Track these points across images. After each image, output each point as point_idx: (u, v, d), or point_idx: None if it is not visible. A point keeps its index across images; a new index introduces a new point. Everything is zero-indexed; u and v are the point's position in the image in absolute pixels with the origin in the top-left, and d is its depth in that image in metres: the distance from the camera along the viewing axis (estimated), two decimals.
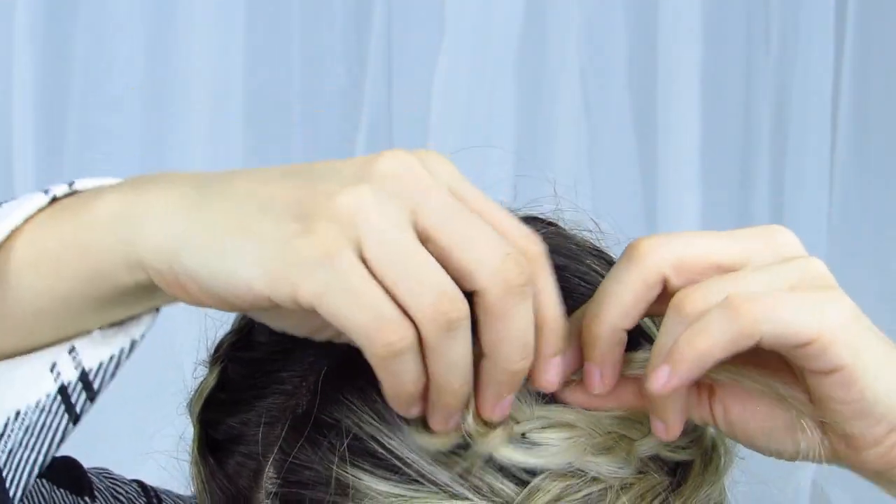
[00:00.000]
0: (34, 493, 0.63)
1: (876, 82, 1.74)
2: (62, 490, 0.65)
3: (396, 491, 0.47)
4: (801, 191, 1.71)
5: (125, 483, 0.70)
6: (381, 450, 0.48)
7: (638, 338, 0.51)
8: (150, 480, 0.71)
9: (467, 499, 0.47)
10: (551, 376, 0.48)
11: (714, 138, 1.68)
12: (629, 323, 0.48)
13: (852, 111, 1.74)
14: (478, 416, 0.47)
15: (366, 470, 0.48)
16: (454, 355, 0.44)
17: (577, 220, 0.58)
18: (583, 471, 0.48)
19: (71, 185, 0.50)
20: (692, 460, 0.51)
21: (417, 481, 0.48)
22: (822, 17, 1.69)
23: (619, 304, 0.47)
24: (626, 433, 0.49)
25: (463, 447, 0.48)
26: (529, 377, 0.48)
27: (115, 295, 0.48)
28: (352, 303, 0.43)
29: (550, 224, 0.57)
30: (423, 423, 0.48)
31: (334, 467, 0.48)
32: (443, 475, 0.48)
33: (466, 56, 1.59)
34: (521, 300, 0.45)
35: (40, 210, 0.49)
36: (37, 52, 1.49)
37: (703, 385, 0.49)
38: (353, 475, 0.48)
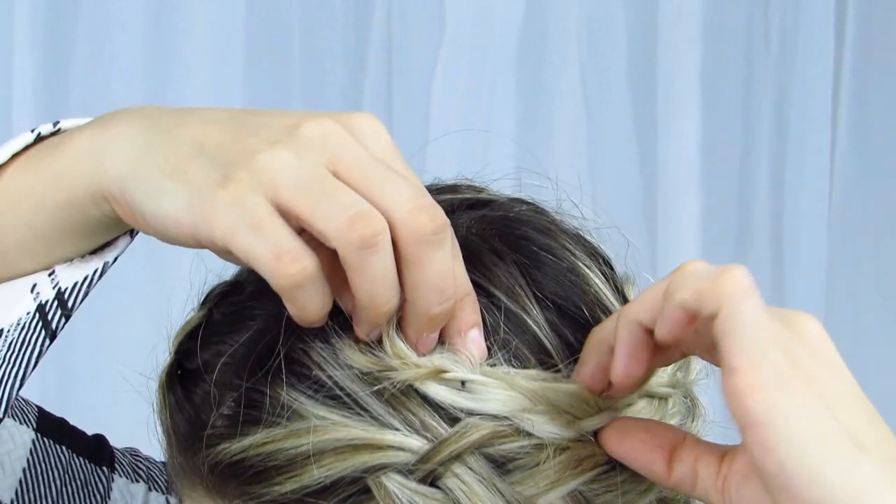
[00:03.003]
0: (53, 457, 0.67)
1: (876, 82, 1.74)
2: (82, 458, 0.68)
3: (331, 416, 0.50)
4: (801, 191, 1.71)
5: (151, 462, 0.72)
6: (324, 377, 0.50)
7: None
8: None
9: (396, 429, 0.49)
10: (473, 350, 0.51)
11: (714, 138, 1.68)
12: (647, 318, 0.48)
13: (852, 111, 1.74)
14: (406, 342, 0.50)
15: (306, 395, 0.51)
16: (374, 272, 0.47)
17: (583, 215, 0.60)
18: (519, 425, 0.50)
19: (56, 124, 0.55)
20: None
21: (352, 409, 0.50)
22: (822, 17, 1.69)
23: (641, 298, 0.49)
24: (572, 411, 0.51)
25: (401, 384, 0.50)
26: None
27: (88, 226, 0.53)
28: (255, 237, 0.47)
29: (533, 204, 0.59)
30: (355, 343, 0.51)
31: (281, 391, 0.51)
32: (378, 406, 0.50)
33: (466, 56, 1.59)
34: (434, 247, 0.48)
35: (28, 147, 0.54)
36: (37, 52, 1.49)
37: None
38: (294, 398, 0.51)
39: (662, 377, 0.54)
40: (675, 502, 0.55)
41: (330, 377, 0.50)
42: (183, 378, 0.56)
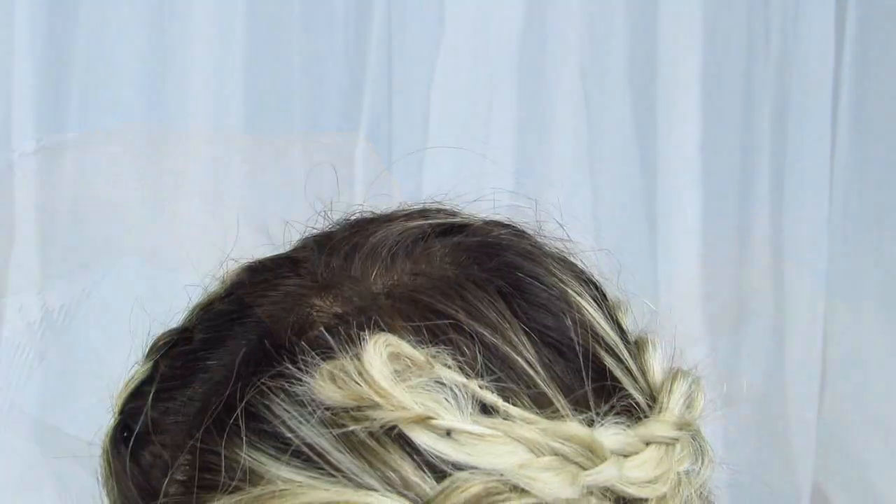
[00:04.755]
0: None
1: (876, 82, 1.74)
2: None
3: (298, 478, 0.44)
4: (801, 191, 1.71)
5: None
6: (288, 434, 0.45)
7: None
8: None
9: (373, 489, 0.43)
10: None
11: (714, 138, 1.68)
12: None
13: (853, 111, 1.73)
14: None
15: (269, 454, 0.45)
16: None
17: (572, 242, 0.56)
18: (514, 483, 0.44)
19: None
20: (647, 500, 0.47)
21: (321, 468, 0.44)
22: (822, 16, 1.69)
23: None
24: (577, 460, 0.45)
25: (382, 436, 0.44)
26: None
27: None
28: None
29: (512, 227, 0.54)
30: (329, 375, 0.45)
31: (240, 451, 0.46)
32: (350, 463, 0.44)
33: (466, 56, 1.59)
34: None
35: None
36: (37, 52, 1.49)
37: None
38: (255, 459, 0.46)
39: (668, 418, 0.49)
40: None
41: (295, 433, 0.45)
42: (129, 441, 0.50)
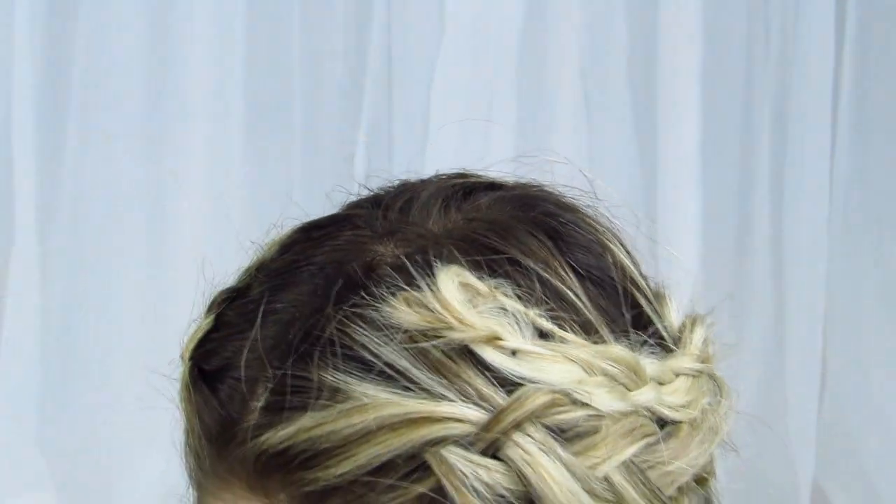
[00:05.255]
0: None
1: (876, 82, 1.74)
2: None
3: (382, 394, 0.49)
4: (802, 191, 1.72)
5: None
6: (369, 356, 0.49)
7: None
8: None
9: (450, 400, 0.48)
10: None
11: (714, 138, 1.69)
12: None
13: (853, 111, 1.74)
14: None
15: (353, 375, 0.49)
16: None
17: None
18: (574, 396, 0.49)
19: None
20: (682, 422, 0.52)
21: (402, 384, 0.49)
22: (822, 17, 1.69)
23: None
24: (623, 381, 0.50)
25: (457, 354, 0.49)
26: None
27: None
28: None
29: (541, 186, 0.60)
30: (406, 301, 0.50)
31: (325, 374, 0.50)
32: (429, 379, 0.49)
33: (466, 56, 1.59)
34: None
35: None
36: (37, 52, 1.49)
37: None
38: (341, 380, 0.49)
39: (693, 352, 0.55)
40: (711, 479, 0.55)
41: (375, 354, 0.49)
42: (205, 378, 0.55)
